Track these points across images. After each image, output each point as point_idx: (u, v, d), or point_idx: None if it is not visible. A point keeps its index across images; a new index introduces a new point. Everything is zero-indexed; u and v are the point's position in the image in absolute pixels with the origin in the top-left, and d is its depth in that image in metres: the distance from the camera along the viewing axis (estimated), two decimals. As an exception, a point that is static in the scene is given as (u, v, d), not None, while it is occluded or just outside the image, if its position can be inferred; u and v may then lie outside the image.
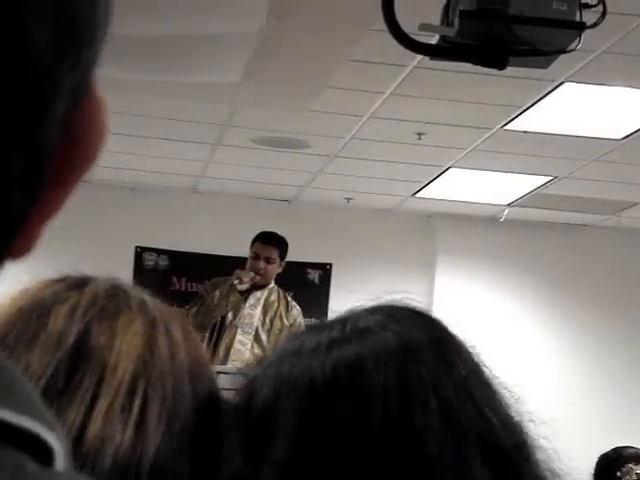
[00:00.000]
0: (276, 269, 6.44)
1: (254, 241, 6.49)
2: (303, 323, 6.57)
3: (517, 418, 1.01)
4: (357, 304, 1.12)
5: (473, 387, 1.00)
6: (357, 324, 1.05)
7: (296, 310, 6.53)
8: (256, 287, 6.44)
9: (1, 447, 0.44)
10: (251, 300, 6.43)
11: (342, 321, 1.07)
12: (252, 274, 6.39)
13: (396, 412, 0.97)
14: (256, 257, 6.40)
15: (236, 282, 6.39)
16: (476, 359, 1.03)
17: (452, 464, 0.96)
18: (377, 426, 0.96)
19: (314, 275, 9.04)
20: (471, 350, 1.04)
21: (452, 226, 9.06)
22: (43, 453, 0.45)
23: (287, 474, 0.97)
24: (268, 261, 6.38)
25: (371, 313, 1.07)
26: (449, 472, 0.96)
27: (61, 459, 0.45)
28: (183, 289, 8.66)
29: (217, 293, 6.42)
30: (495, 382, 1.03)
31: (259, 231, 6.60)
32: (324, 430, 0.97)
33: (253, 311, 6.42)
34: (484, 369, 1.03)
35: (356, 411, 0.97)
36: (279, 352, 1.08)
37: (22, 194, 0.46)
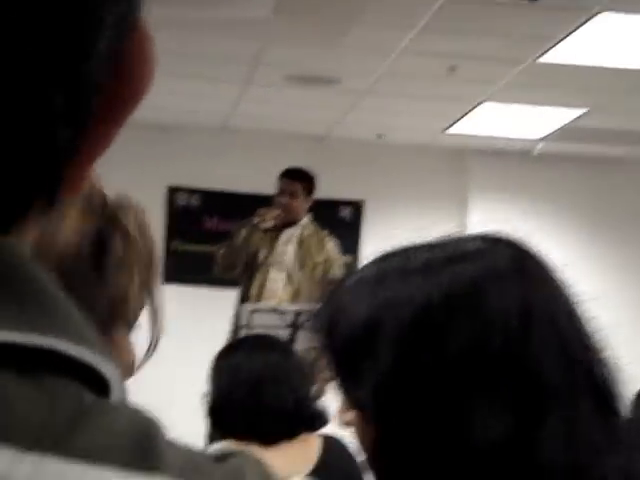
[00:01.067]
0: (302, 204, 6.41)
1: (280, 177, 6.49)
2: (340, 255, 6.56)
3: (605, 353, 1.03)
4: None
5: (578, 322, 1.02)
6: (465, 246, 1.04)
7: (330, 244, 6.51)
8: (287, 224, 6.43)
9: (59, 378, 0.44)
10: (283, 237, 6.43)
11: (442, 245, 1.05)
12: (276, 211, 6.39)
13: (516, 336, 0.97)
14: (281, 193, 6.41)
15: (257, 220, 6.40)
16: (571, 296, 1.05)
17: (563, 397, 0.97)
18: (495, 347, 0.96)
19: (346, 212, 9.02)
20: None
21: (485, 161, 9.00)
22: (99, 384, 0.45)
23: (390, 388, 0.97)
24: (292, 195, 6.36)
25: (472, 239, 1.05)
26: (559, 402, 0.97)
27: (117, 390, 0.46)
28: (215, 228, 8.68)
29: (242, 232, 6.45)
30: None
31: (290, 169, 6.59)
32: (437, 348, 0.97)
33: (285, 248, 6.43)
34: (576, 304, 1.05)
35: (475, 331, 0.97)
36: (369, 272, 1.06)
37: (69, 129, 0.45)
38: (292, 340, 5.88)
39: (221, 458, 0.47)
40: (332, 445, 2.64)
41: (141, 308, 1.09)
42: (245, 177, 8.53)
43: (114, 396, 0.46)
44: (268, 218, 6.38)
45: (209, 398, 2.57)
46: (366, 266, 1.08)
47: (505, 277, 1.01)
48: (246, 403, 2.50)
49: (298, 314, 5.93)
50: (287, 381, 2.56)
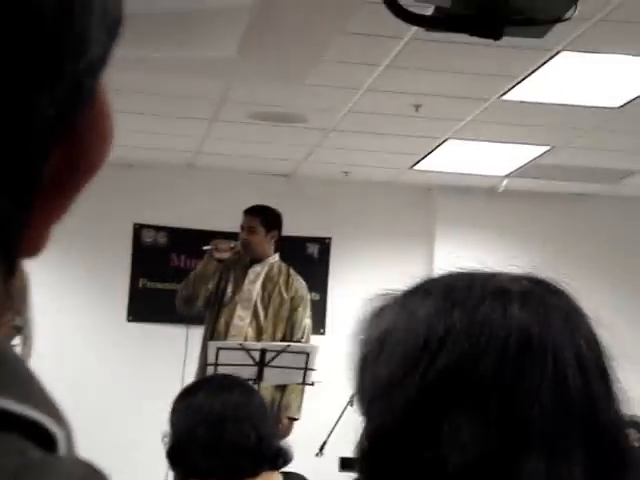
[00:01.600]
0: (263, 240, 6.40)
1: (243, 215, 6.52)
2: (307, 296, 6.55)
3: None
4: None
5: (605, 376, 1.03)
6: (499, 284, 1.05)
7: (298, 283, 6.51)
8: (254, 261, 6.43)
9: (5, 434, 0.44)
10: (251, 275, 6.43)
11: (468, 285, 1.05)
12: (231, 243, 6.40)
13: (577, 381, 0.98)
14: (241, 229, 6.44)
15: (209, 247, 6.42)
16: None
17: (552, 440, 0.97)
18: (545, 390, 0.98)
19: (313, 249, 9.04)
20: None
21: (451, 198, 9.05)
22: (46, 440, 0.45)
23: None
24: (250, 230, 6.37)
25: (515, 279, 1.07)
26: (546, 442, 0.97)
27: (63, 445, 0.46)
28: (182, 265, 8.66)
29: (200, 263, 6.47)
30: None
31: (258, 206, 6.61)
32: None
33: (252, 286, 6.42)
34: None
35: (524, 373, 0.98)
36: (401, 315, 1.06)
37: (9, 200, 0.45)
38: (259, 378, 5.87)
39: None
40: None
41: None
42: (212, 215, 8.53)
43: (61, 450, 0.45)
44: (221, 249, 6.39)
45: (169, 439, 2.56)
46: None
47: (558, 322, 1.03)
48: (206, 441, 2.49)
49: (264, 352, 5.91)
50: (248, 419, 2.55)
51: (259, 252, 6.41)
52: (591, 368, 1.00)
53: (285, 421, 6.27)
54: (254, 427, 2.56)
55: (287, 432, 6.17)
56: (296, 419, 6.34)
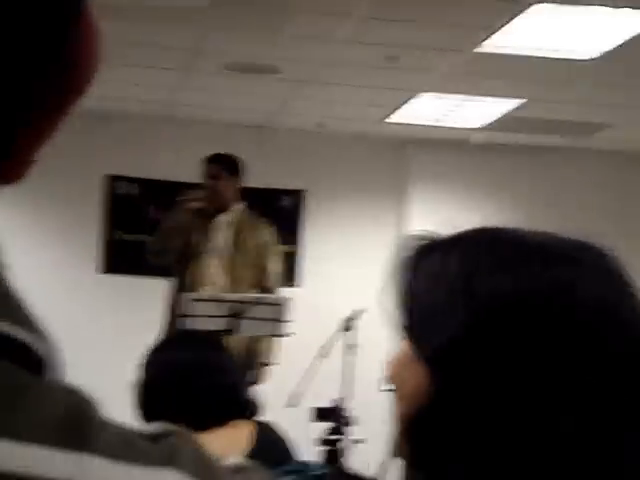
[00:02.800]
0: (228, 186, 6.39)
1: (203, 164, 6.50)
2: (276, 242, 6.56)
3: None
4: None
5: None
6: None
7: (266, 229, 6.52)
8: (219, 210, 6.41)
9: None
10: (216, 224, 6.42)
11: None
12: (199, 193, 6.39)
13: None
14: (205, 177, 6.41)
15: (181, 199, 6.40)
16: None
17: None
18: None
19: (286, 201, 9.03)
20: None
21: (424, 151, 9.06)
22: (32, 361, 0.45)
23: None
24: (215, 177, 6.36)
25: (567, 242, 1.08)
26: None
27: (50, 369, 0.46)
28: (157, 217, 8.63)
29: (170, 215, 6.46)
30: None
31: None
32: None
33: (220, 234, 6.41)
34: None
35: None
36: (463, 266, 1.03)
37: (4, 113, 0.45)
38: (233, 329, 5.88)
39: (156, 437, 0.47)
40: (264, 430, 2.67)
41: None
42: (185, 166, 8.49)
43: (49, 374, 0.46)
44: (192, 198, 6.37)
45: (138, 389, 2.59)
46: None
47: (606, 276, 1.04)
48: (175, 392, 2.53)
49: (237, 303, 5.92)
50: (217, 371, 2.60)
51: (225, 199, 6.39)
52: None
53: (257, 367, 6.32)
54: (223, 377, 2.59)
55: (261, 378, 6.24)
56: (268, 364, 6.39)
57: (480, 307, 0.98)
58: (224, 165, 6.41)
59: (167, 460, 0.46)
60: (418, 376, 1.00)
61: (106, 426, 0.45)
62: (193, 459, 0.47)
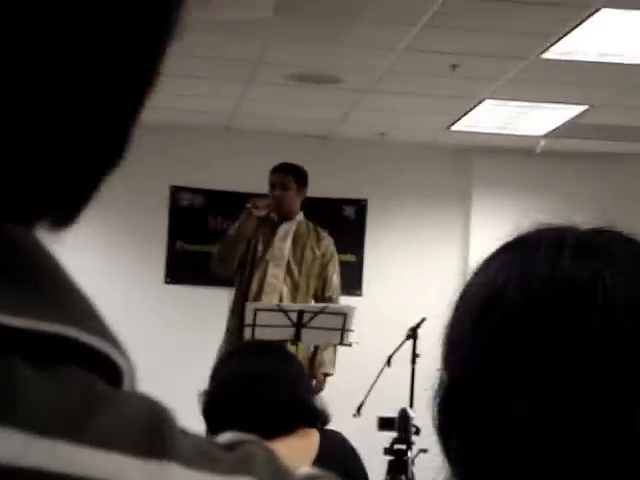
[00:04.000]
0: (294, 197, 6.44)
1: (271, 173, 6.53)
2: (335, 252, 6.60)
3: None
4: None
5: None
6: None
7: (327, 240, 6.57)
8: (283, 219, 6.45)
9: (72, 365, 0.44)
10: (280, 233, 6.45)
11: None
12: (267, 200, 6.42)
13: None
14: (272, 186, 6.44)
15: (248, 205, 6.43)
16: None
17: None
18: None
19: (350, 211, 9.03)
20: None
21: (488, 159, 9.00)
22: (112, 373, 0.45)
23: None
24: (284, 187, 6.40)
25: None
26: None
27: (129, 380, 0.46)
28: (219, 227, 8.68)
29: (236, 223, 6.49)
30: None
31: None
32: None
33: (283, 244, 6.45)
34: None
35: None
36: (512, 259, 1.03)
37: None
38: (297, 338, 5.89)
39: (231, 446, 0.48)
40: (332, 439, 2.66)
41: None
42: (248, 176, 8.53)
43: (126, 386, 0.46)
44: (260, 206, 6.41)
45: (205, 399, 2.60)
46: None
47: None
48: (241, 400, 2.53)
49: (302, 313, 5.93)
50: (284, 379, 2.59)
51: (290, 209, 6.44)
52: None
53: (320, 377, 6.35)
54: (290, 386, 2.58)
55: (321, 387, 6.26)
56: (330, 374, 6.40)
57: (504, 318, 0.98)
58: (293, 176, 6.45)
59: (243, 468, 0.46)
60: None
61: (183, 435, 0.45)
62: (268, 467, 0.47)
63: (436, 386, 1.03)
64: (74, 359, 0.44)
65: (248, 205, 6.47)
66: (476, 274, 1.05)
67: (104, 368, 0.45)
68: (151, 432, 0.44)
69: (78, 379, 0.44)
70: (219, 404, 2.55)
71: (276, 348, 2.95)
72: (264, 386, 2.54)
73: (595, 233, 1.07)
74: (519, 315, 0.98)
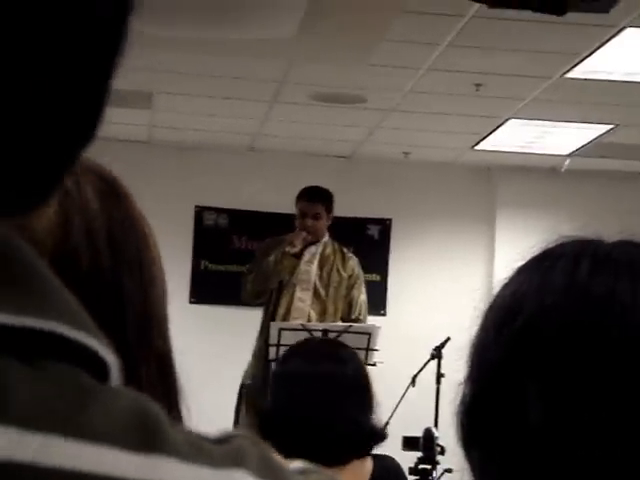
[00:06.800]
0: (324, 223, 6.44)
1: (298, 198, 6.48)
2: (362, 273, 6.58)
3: None
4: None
5: None
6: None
7: (353, 261, 6.54)
8: (309, 243, 6.45)
9: (59, 361, 0.44)
10: (306, 256, 6.44)
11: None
12: (303, 234, 6.39)
13: None
14: (303, 215, 6.40)
15: (288, 248, 6.39)
16: None
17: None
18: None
19: (374, 230, 9.03)
20: None
21: (512, 178, 8.98)
22: (98, 368, 0.46)
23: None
24: (316, 217, 6.38)
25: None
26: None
27: (116, 374, 0.46)
28: (244, 247, 8.70)
29: (272, 258, 6.39)
30: None
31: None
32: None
33: (309, 267, 6.43)
34: None
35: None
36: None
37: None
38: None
39: (222, 440, 0.48)
40: (384, 465, 2.60)
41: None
42: (272, 196, 8.55)
43: (113, 381, 0.46)
44: (297, 244, 6.38)
45: (267, 407, 2.52)
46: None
47: None
48: (299, 426, 2.42)
49: (326, 332, 5.93)
50: (339, 397, 2.45)
51: (321, 235, 6.45)
52: None
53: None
54: (343, 409, 2.45)
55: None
56: None
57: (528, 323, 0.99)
58: (324, 204, 6.41)
59: (235, 461, 0.46)
60: None
61: (173, 429, 0.45)
62: (259, 461, 0.47)
63: (458, 400, 1.03)
64: (61, 355, 0.44)
65: (287, 247, 6.38)
66: (504, 286, 1.06)
67: (91, 363, 0.45)
68: (142, 426, 0.44)
69: (67, 374, 0.44)
70: (276, 424, 2.44)
71: (335, 349, 2.72)
72: (317, 413, 2.41)
73: (615, 246, 1.08)
74: (534, 325, 0.99)
